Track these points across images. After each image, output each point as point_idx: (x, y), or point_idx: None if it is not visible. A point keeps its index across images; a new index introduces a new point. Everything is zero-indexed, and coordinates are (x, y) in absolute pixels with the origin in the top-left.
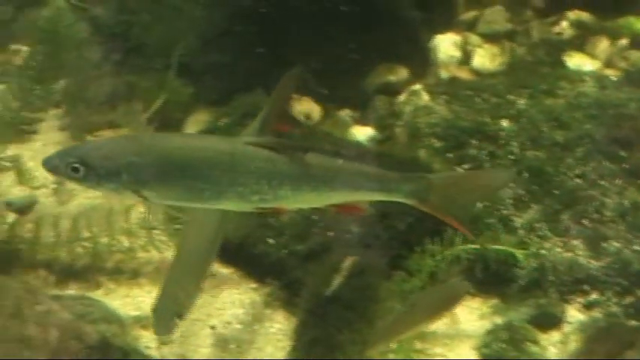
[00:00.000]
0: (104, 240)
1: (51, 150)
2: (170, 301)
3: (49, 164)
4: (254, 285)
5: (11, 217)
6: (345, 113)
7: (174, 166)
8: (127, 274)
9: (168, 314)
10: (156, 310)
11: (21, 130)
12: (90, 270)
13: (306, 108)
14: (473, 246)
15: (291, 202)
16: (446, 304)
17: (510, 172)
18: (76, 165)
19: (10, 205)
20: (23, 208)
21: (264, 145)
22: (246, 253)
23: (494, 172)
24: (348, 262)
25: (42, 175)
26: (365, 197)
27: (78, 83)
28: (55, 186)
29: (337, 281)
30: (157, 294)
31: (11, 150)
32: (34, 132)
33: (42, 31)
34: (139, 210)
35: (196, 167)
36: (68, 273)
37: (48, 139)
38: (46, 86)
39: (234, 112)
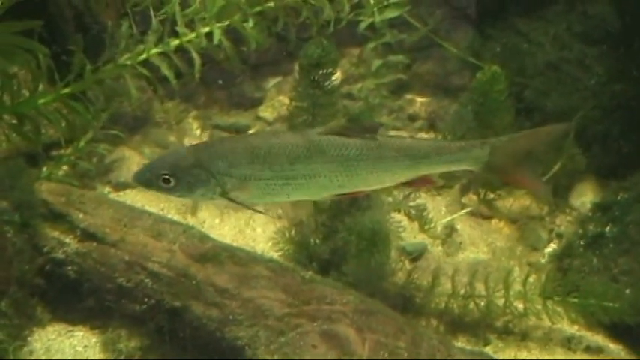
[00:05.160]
0: (499, 300)
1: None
2: None
3: (140, 179)
4: None
5: (407, 263)
6: None
7: (257, 165)
8: (516, 335)
9: None
10: None
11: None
12: (479, 326)
13: None
14: None
15: (366, 185)
16: None
17: (567, 125)
18: (167, 176)
19: (405, 251)
20: (416, 255)
21: (336, 133)
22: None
23: (551, 127)
24: None
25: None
26: (435, 170)
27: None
28: (444, 237)
29: None
30: None
31: (424, 200)
32: (449, 187)
33: (474, 92)
34: (534, 276)
35: (278, 164)
36: (458, 325)
37: (454, 196)
38: None
39: (634, 188)
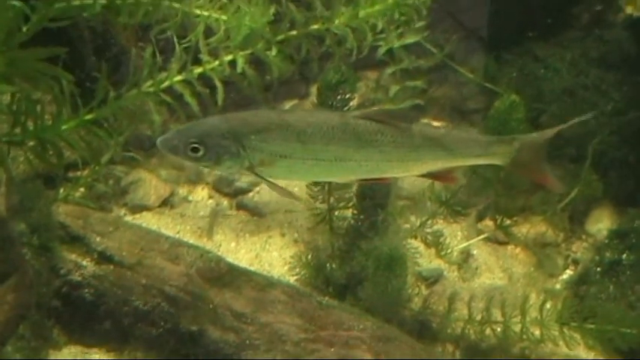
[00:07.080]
0: (515, 327)
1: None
2: None
3: (167, 145)
4: None
5: (423, 288)
6: None
7: (290, 143)
8: None
9: None
10: None
11: (455, 210)
12: (496, 352)
13: None
14: None
15: (395, 172)
16: None
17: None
18: (196, 145)
19: (421, 276)
20: (432, 281)
21: (373, 118)
22: None
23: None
24: None
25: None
26: (464, 163)
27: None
28: (460, 262)
29: None
30: None
31: (441, 226)
32: (465, 214)
33: (492, 120)
34: (550, 303)
35: (311, 143)
36: (475, 351)
37: (470, 222)
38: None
39: None
